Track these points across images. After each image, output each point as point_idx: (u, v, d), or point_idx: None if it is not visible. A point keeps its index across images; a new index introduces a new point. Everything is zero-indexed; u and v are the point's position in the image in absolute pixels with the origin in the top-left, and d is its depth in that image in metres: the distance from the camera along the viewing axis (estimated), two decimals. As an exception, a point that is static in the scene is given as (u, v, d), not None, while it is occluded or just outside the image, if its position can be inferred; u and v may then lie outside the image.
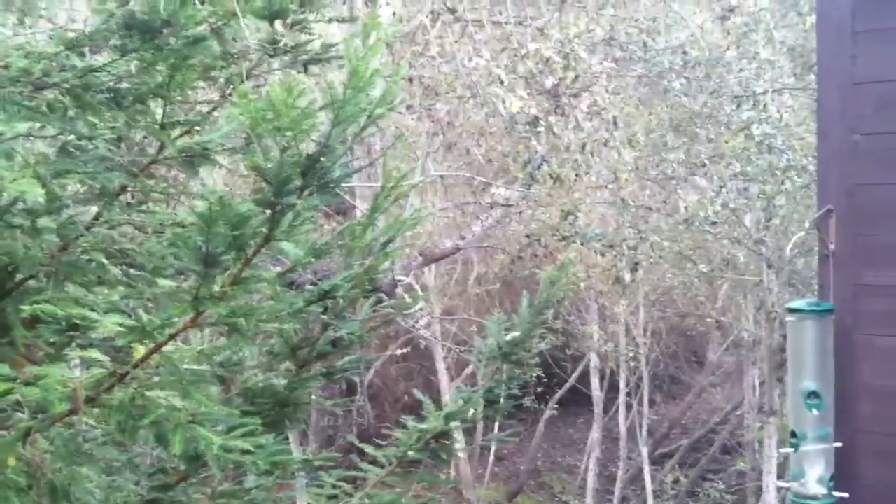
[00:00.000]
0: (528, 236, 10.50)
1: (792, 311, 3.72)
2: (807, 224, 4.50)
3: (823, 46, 4.07)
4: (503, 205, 9.98)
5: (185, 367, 2.85)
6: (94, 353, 2.78)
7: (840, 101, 3.93)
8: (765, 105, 8.98)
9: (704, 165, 9.34)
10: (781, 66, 9.69)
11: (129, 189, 3.31)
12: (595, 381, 15.29)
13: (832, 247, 3.76)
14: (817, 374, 3.60)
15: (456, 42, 8.06)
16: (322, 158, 2.79)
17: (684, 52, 8.92)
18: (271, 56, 3.55)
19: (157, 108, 3.17)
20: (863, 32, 3.85)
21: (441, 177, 10.45)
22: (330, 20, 4.82)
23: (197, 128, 3.46)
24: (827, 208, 3.81)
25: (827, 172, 4.01)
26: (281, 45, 3.48)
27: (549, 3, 8.43)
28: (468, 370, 13.54)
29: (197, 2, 3.42)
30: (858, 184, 3.81)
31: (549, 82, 7.70)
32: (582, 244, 9.36)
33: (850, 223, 3.78)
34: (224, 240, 2.53)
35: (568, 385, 16.71)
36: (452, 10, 7.91)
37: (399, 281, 9.36)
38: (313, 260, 3.01)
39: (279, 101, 2.59)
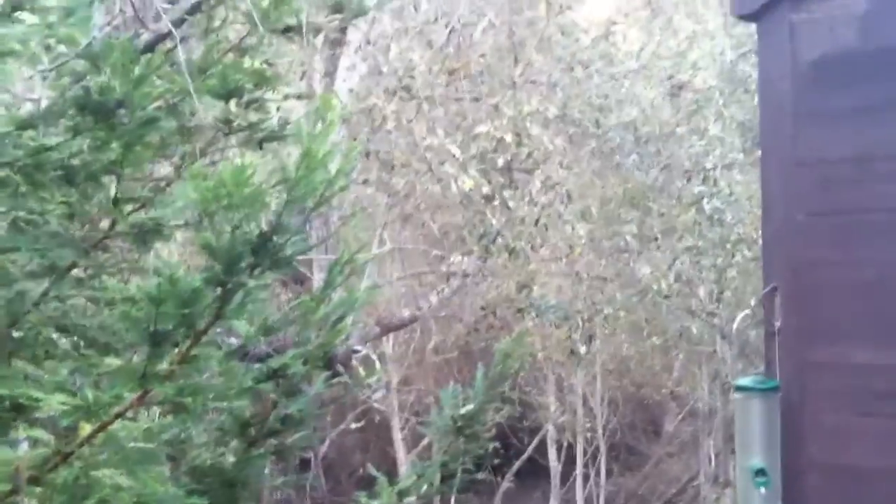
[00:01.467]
0: (483, 308, 10.55)
1: (739, 388, 3.78)
2: (752, 302, 4.59)
3: (766, 127, 4.20)
4: (460, 275, 10.04)
5: (132, 445, 2.82)
6: (39, 432, 2.74)
7: (783, 181, 4.04)
8: (715, 180, 9.18)
9: (657, 239, 9.48)
10: (731, 142, 9.93)
11: (81, 264, 3.31)
12: (552, 453, 15.22)
13: (778, 324, 3.84)
14: (765, 452, 3.64)
15: (410, 121, 8.19)
16: (274, 237, 2.81)
17: (636, 129, 9.12)
18: (226, 134, 3.60)
19: (110, 184, 3.18)
20: (804, 113, 3.98)
21: (398, 248, 10.50)
22: (287, 97, 4.89)
23: (151, 203, 3.48)
24: (772, 286, 3.89)
25: (772, 250, 4.11)
26: (235, 124, 3.52)
27: (503, 84, 8.61)
28: (425, 441, 13.44)
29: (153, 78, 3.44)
30: (802, 262, 3.90)
31: (501, 161, 7.83)
32: (537, 316, 9.42)
33: (795, 301, 3.86)
34: (173, 318, 2.53)
35: (525, 456, 16.62)
36: (407, 89, 8.05)
37: (356, 351, 9.33)
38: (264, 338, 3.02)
39: (231, 181, 2.61)
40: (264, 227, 2.85)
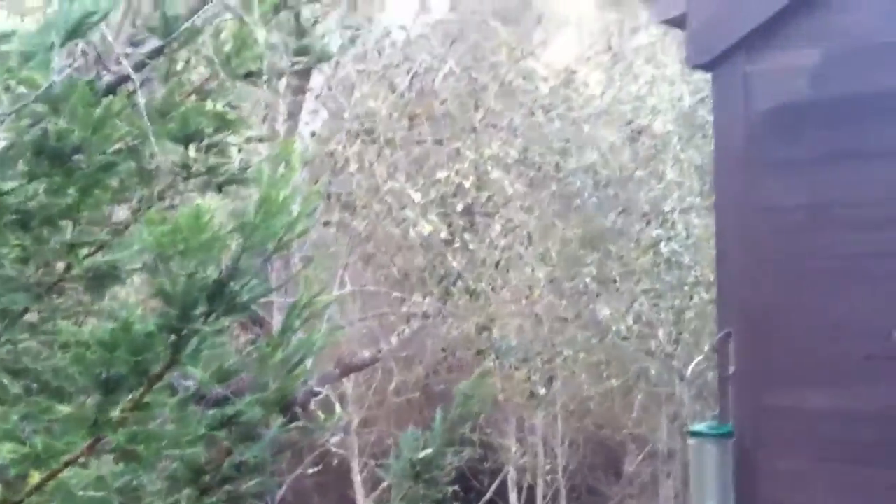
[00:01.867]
0: (443, 350, 10.53)
1: (693, 434, 3.80)
2: (706, 349, 4.64)
3: (721, 174, 4.28)
4: (421, 315, 10.03)
5: (83, 493, 2.77)
6: (-14, 482, 2.69)
7: (737, 228, 4.11)
8: (673, 223, 9.29)
9: (615, 281, 9.56)
10: (689, 186, 10.08)
11: (35, 308, 3.26)
12: (513, 495, 15.15)
13: (732, 369, 3.88)
14: (719, 496, 3.66)
15: (371, 165, 8.23)
16: (231, 283, 2.80)
17: (595, 172, 9.22)
18: (185, 179, 3.58)
19: (66, 228, 3.15)
20: (758, 162, 4.06)
21: (359, 289, 10.48)
22: (249, 140, 4.89)
23: (107, 247, 3.45)
24: (726, 331, 3.94)
25: (726, 296, 4.16)
26: (195, 168, 3.51)
27: (464, 129, 8.68)
28: (385, 484, 13.30)
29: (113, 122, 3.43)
30: (757, 308, 3.96)
31: (461, 205, 7.88)
32: (497, 358, 9.43)
33: (750, 346, 3.91)
34: (126, 365, 2.50)
35: (486, 498, 16.51)
36: (369, 132, 8.09)
37: (315, 393, 9.25)
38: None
39: (187, 226, 2.60)
40: (221, 272, 2.83)
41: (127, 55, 4.63)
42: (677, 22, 4.26)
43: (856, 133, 3.78)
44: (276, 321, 8.67)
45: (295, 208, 3.02)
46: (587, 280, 10.20)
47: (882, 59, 3.74)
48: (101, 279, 3.35)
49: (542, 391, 10.62)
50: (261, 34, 3.31)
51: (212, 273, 2.77)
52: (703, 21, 4.09)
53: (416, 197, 7.81)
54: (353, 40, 8.01)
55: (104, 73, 5.04)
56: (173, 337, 2.63)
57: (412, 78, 8.33)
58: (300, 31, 5.03)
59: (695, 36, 4.13)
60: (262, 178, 2.80)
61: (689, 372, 5.32)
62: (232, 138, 4.10)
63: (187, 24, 3.74)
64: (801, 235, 3.90)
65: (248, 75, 4.47)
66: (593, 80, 13.08)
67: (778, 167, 3.98)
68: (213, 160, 3.70)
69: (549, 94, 9.30)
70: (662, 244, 9.11)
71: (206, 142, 3.75)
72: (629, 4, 13.45)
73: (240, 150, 4.37)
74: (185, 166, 3.55)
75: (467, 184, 7.94)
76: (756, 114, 3.98)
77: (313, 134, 7.33)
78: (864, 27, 3.77)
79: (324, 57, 5.22)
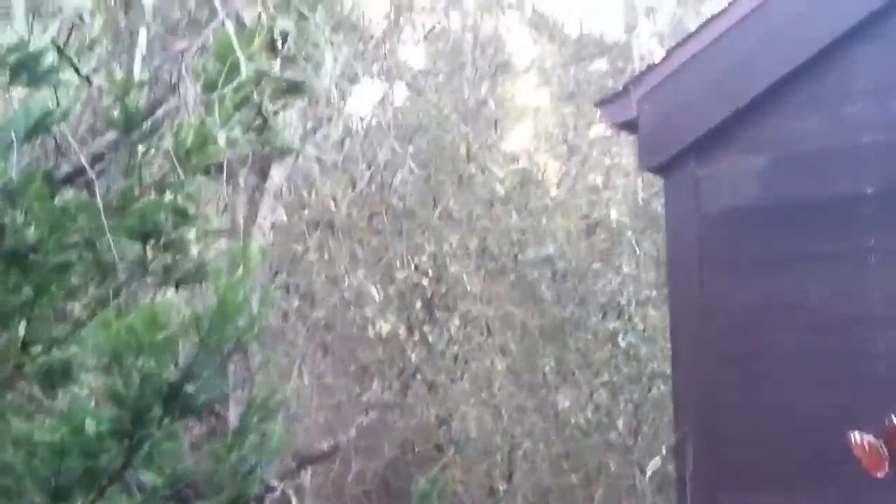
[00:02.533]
0: (402, 444, 10.41)
1: (652, 534, 3.78)
2: (664, 448, 4.65)
3: (674, 274, 4.35)
4: (379, 406, 9.94)
5: None
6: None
7: (691, 327, 4.17)
8: (630, 316, 9.37)
9: (574, 374, 9.58)
10: (645, 278, 10.18)
11: (-16, 406, 3.20)
12: (472, 590, 14.80)
13: (688, 470, 3.88)
14: None
15: (331, 257, 8.25)
16: (186, 385, 2.78)
17: (553, 264, 9.31)
18: (141, 276, 3.56)
19: (20, 325, 3.12)
20: (710, 263, 4.15)
21: (317, 379, 10.38)
22: (208, 233, 4.89)
23: (62, 344, 3.41)
24: (682, 432, 3.96)
25: (681, 394, 4.19)
26: (152, 267, 3.50)
27: (423, 224, 8.76)
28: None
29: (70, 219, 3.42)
30: (711, 407, 3.99)
31: (419, 303, 7.92)
32: (456, 451, 9.34)
33: (704, 446, 3.93)
34: (76, 471, 2.46)
35: None
36: (329, 224, 8.13)
37: (271, 489, 9.06)
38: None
39: (142, 326, 2.59)
40: (176, 374, 2.81)
41: (86, 147, 4.64)
42: (629, 126, 4.39)
43: (803, 236, 3.88)
44: (234, 411, 8.53)
45: (254, 305, 3.01)
46: (546, 371, 10.20)
47: (827, 165, 3.87)
48: (54, 377, 3.31)
49: (504, 486, 10.50)
50: (221, 136, 3.34)
51: (167, 375, 2.75)
52: (654, 126, 4.22)
53: (375, 295, 7.84)
54: (313, 131, 8.11)
55: (62, 162, 5.04)
56: (126, 441, 2.60)
57: (372, 171, 8.42)
58: (261, 125, 5.09)
59: (646, 140, 4.26)
60: (220, 279, 2.81)
61: (649, 471, 5.31)
62: (191, 233, 4.10)
63: (147, 124, 3.77)
64: (752, 336, 3.96)
65: (208, 169, 4.51)
66: (550, 172, 13.30)
67: (729, 268, 4.06)
68: (170, 257, 3.70)
69: (506, 186, 9.43)
70: (620, 336, 9.17)
71: (163, 239, 3.75)
72: (587, 97, 13.77)
73: (198, 245, 4.36)
74: (142, 264, 3.54)
75: (426, 282, 7.98)
76: (707, 216, 4.08)
77: (273, 226, 7.37)
78: (809, 134, 3.91)
79: (284, 150, 5.28)
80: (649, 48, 12.70)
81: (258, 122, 5.11)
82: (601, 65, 13.68)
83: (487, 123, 11.62)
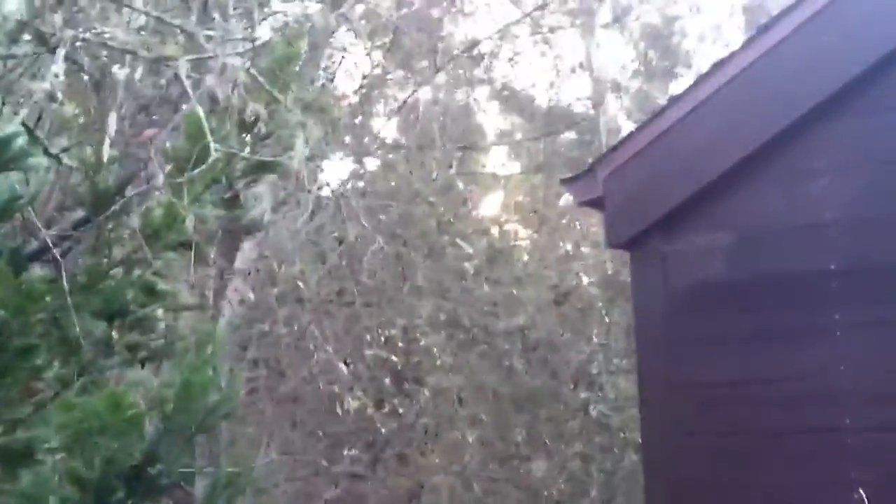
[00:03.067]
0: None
1: None
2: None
3: (642, 350, 4.38)
4: (349, 478, 9.81)
5: None
6: None
7: (660, 403, 4.18)
8: (601, 386, 9.37)
9: (546, 443, 9.53)
10: (615, 348, 10.21)
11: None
12: None
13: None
14: None
15: (300, 331, 8.23)
16: (149, 468, 2.74)
17: (524, 335, 9.33)
18: (106, 357, 3.53)
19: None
20: (677, 339, 4.18)
21: (286, 453, 10.24)
22: (177, 310, 4.85)
23: (25, 424, 3.35)
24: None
25: (652, 469, 4.18)
26: (118, 347, 3.47)
27: (393, 299, 8.78)
28: None
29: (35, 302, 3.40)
30: (682, 483, 3.98)
31: (388, 378, 7.89)
32: (429, 527, 9.22)
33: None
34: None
35: None
36: (299, 299, 8.12)
37: (238, 564, 8.86)
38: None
39: (105, 410, 2.56)
40: (140, 456, 2.77)
41: (55, 224, 4.62)
42: (595, 204, 4.45)
43: (769, 312, 3.93)
44: (201, 486, 8.38)
45: (222, 383, 2.99)
46: (518, 441, 10.15)
47: (791, 242, 3.94)
48: (16, 458, 3.25)
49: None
50: (189, 219, 3.35)
51: (131, 456, 2.71)
52: (620, 204, 4.28)
53: (344, 370, 7.81)
54: (283, 203, 8.14)
55: (29, 240, 5.00)
56: (87, 528, 2.56)
57: (342, 246, 8.44)
58: (231, 202, 5.10)
59: (612, 218, 4.32)
60: (186, 359, 2.80)
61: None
62: (159, 311, 4.07)
63: (117, 202, 3.76)
64: (722, 411, 3.98)
65: (177, 247, 4.49)
66: (521, 242, 13.38)
67: (697, 343, 4.10)
68: (136, 337, 3.67)
69: (477, 257, 9.48)
70: (591, 406, 9.16)
71: (130, 317, 3.73)
72: (556, 168, 13.95)
73: (166, 322, 4.32)
74: (108, 343, 3.51)
75: (396, 356, 7.98)
76: (674, 292, 4.12)
77: (241, 301, 7.35)
78: (773, 211, 3.98)
79: (253, 227, 5.29)
80: (616, 122, 12.96)
81: (228, 199, 5.12)
82: (570, 136, 13.90)
83: (458, 195, 11.72)
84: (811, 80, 3.88)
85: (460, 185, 9.83)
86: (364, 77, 11.39)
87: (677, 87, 13.02)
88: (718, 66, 4.18)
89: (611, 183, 4.28)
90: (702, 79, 4.25)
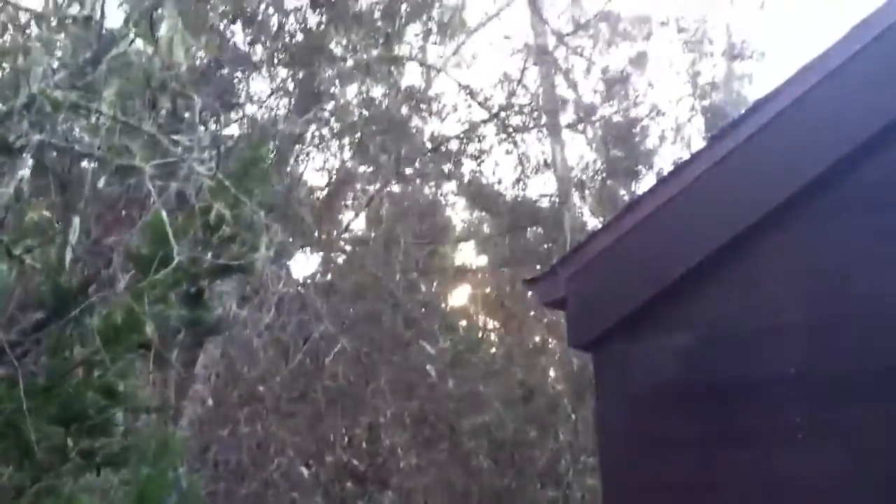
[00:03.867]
0: None
1: None
2: None
3: (604, 452, 4.33)
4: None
5: None
6: None
7: (624, 503, 4.13)
8: (568, 484, 9.28)
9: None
10: (582, 446, 10.15)
11: None
12: None
13: None
14: None
15: (261, 434, 8.13)
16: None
17: (490, 432, 9.26)
18: (62, 463, 3.47)
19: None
20: (639, 440, 4.15)
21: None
22: (136, 412, 4.79)
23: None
24: None
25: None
26: (73, 454, 3.42)
27: (357, 399, 8.72)
28: None
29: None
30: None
31: (350, 483, 7.79)
32: None
33: None
34: None
35: None
36: (260, 399, 8.04)
37: None
38: None
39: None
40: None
41: (15, 324, 4.58)
42: (557, 304, 4.46)
43: (729, 415, 3.93)
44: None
45: (180, 486, 2.95)
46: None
47: (750, 344, 3.96)
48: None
49: None
50: (149, 327, 3.35)
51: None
52: (581, 305, 4.29)
53: (306, 474, 7.69)
54: (247, 299, 8.12)
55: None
56: None
57: (306, 345, 8.40)
58: (194, 303, 5.08)
59: (574, 319, 4.32)
60: (141, 472, 2.76)
61: None
62: (118, 414, 4.03)
63: (78, 304, 3.76)
64: (685, 514, 3.94)
65: (138, 348, 4.46)
66: (488, 336, 13.40)
67: (659, 445, 4.07)
68: (93, 442, 3.62)
69: (443, 353, 9.47)
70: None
71: (88, 423, 3.68)
72: (523, 262, 14.05)
73: (125, 426, 4.26)
74: (63, 450, 3.46)
75: (358, 458, 7.87)
76: (635, 393, 4.11)
77: (204, 402, 7.25)
78: (731, 314, 4.02)
79: (217, 328, 5.27)
80: (581, 219, 13.13)
81: (192, 297, 5.11)
82: (536, 231, 14.06)
83: (426, 290, 11.75)
84: (764, 186, 3.97)
85: (424, 286, 9.87)
86: (333, 173, 11.52)
87: (640, 185, 13.31)
88: (676, 172, 4.26)
89: (572, 284, 4.30)
90: (660, 184, 4.32)
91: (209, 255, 3.89)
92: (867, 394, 3.72)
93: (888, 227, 3.72)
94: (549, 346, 12.11)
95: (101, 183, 4.55)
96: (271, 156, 4.91)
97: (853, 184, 3.82)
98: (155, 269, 3.54)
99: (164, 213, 3.54)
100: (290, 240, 6.29)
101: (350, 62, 10.95)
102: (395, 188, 12.88)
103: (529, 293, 10.34)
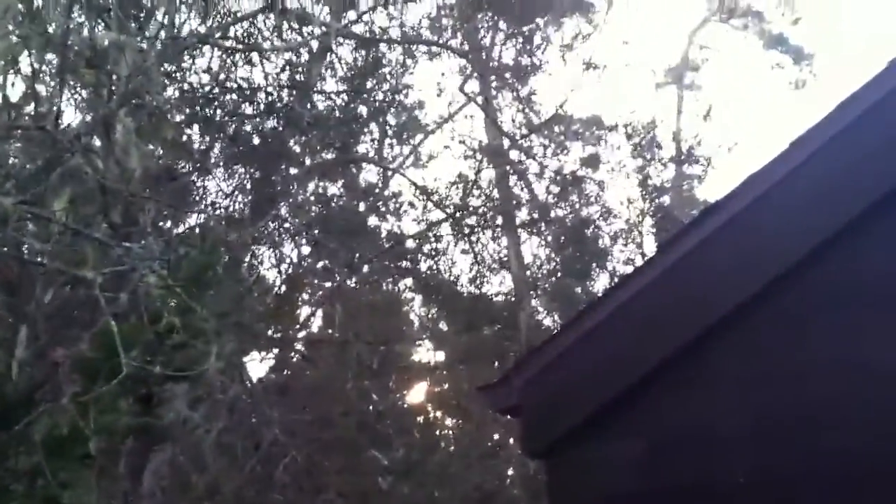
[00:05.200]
0: None
1: None
2: None
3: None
4: None
5: None
6: None
7: None
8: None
9: None
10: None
11: None
12: None
13: None
14: None
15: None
16: None
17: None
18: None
19: None
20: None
21: None
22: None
23: None
24: None
25: None
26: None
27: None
28: None
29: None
30: None
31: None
32: None
33: None
34: None
35: None
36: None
37: None
38: None
39: None
40: None
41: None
42: (511, 411, 4.44)
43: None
44: None
45: None
46: None
47: (699, 453, 3.96)
48: None
49: None
50: (92, 443, 3.29)
51: None
52: (535, 412, 4.27)
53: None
54: (198, 401, 7.97)
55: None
56: None
57: (258, 449, 8.22)
58: (144, 406, 4.99)
59: (528, 426, 4.30)
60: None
61: None
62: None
63: (24, 415, 3.69)
64: None
65: (82, 460, 4.37)
66: (444, 436, 13.24)
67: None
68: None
69: (398, 456, 9.33)
70: None
71: None
72: (480, 359, 14.02)
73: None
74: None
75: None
76: (588, 501, 4.07)
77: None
78: (681, 423, 4.02)
79: (165, 436, 5.17)
80: (535, 318, 13.17)
81: (142, 402, 5.02)
82: (492, 329, 14.05)
83: (382, 389, 11.62)
84: (713, 293, 4.02)
85: (379, 388, 9.77)
86: (289, 269, 11.47)
87: (594, 284, 13.44)
88: (627, 279, 4.30)
89: (526, 392, 4.28)
90: (612, 289, 4.36)
91: (159, 363, 3.85)
92: (818, 501, 3.72)
93: (836, 332, 3.77)
94: (508, 445, 12.00)
95: (49, 293, 4.50)
96: (225, 259, 4.89)
97: (802, 290, 3.88)
98: (103, 379, 3.48)
99: (112, 323, 3.51)
100: (242, 346, 6.21)
101: (307, 162, 11.04)
102: (353, 285, 12.86)
103: (482, 401, 10.29)
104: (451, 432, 14.90)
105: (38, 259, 3.85)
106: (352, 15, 10.88)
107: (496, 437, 13.93)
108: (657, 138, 13.53)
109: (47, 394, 4.03)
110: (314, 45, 10.56)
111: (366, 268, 12.94)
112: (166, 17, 5.73)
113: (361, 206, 13.07)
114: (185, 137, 9.13)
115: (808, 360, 3.83)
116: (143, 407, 4.69)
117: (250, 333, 6.68)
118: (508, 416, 4.75)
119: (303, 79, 10.54)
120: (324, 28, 9.38)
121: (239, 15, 9.70)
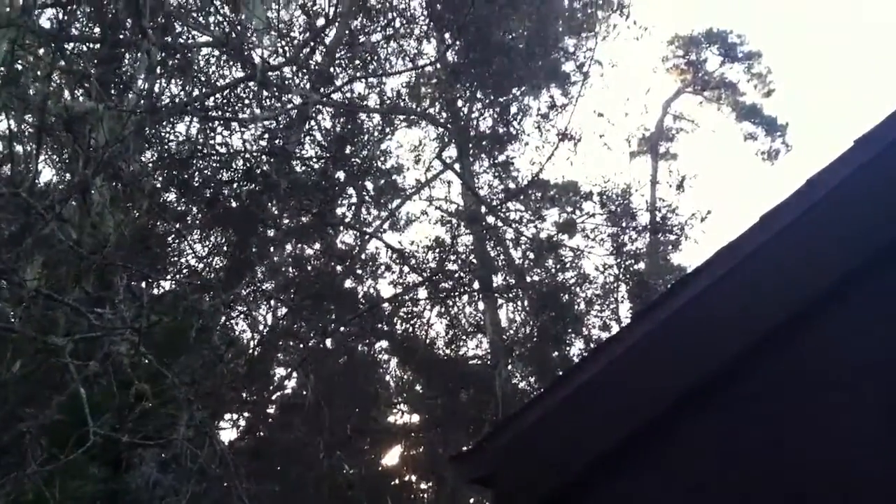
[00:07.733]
0: None
1: None
2: None
3: None
4: None
5: None
6: None
7: None
8: None
9: None
10: None
11: None
12: None
13: None
14: None
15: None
16: None
17: None
18: None
19: None
20: None
21: None
22: None
23: None
24: None
25: None
26: None
27: None
28: None
29: None
30: None
31: None
32: None
33: None
34: None
35: None
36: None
37: None
38: None
39: None
40: None
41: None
42: (483, 482, 4.42)
43: None
44: None
45: None
46: None
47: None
48: None
49: None
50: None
51: None
52: (507, 483, 4.26)
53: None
54: (165, 465, 7.86)
55: None
56: None
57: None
58: (114, 470, 4.93)
59: (500, 498, 4.28)
60: None
61: None
62: None
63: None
64: None
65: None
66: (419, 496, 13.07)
67: None
68: None
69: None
70: None
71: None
72: (456, 422, 13.95)
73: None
74: None
75: None
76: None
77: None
78: (656, 497, 4.01)
79: (134, 502, 5.09)
80: (511, 383, 13.14)
81: (112, 466, 4.96)
82: (468, 392, 14.00)
83: (355, 452, 11.50)
84: (675, 374, 4.03)
85: (353, 453, 9.66)
86: (265, 331, 11.41)
87: (569, 349, 13.44)
88: (600, 349, 4.32)
89: (498, 462, 4.27)
90: (584, 362, 4.37)
91: (128, 430, 3.81)
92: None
93: (804, 409, 3.78)
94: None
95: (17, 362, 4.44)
96: (198, 323, 4.89)
97: (772, 364, 3.90)
98: (71, 447, 3.45)
99: (82, 391, 3.48)
100: (213, 412, 6.15)
101: (285, 224, 11.07)
102: (328, 347, 12.82)
103: (454, 471, 10.20)
104: (424, 496, 14.75)
105: (9, 324, 3.83)
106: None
107: (471, 501, 13.80)
108: (632, 206, 13.67)
109: (13, 461, 3.97)
110: (293, 113, 10.66)
111: (342, 329, 12.90)
112: (146, 85, 5.79)
113: (338, 268, 13.09)
114: (161, 200, 9.15)
115: (778, 437, 3.84)
116: (112, 472, 4.63)
117: (222, 400, 6.61)
118: (481, 486, 4.72)
119: (281, 144, 10.62)
120: (303, 97, 9.48)
121: (219, 84, 9.82)
